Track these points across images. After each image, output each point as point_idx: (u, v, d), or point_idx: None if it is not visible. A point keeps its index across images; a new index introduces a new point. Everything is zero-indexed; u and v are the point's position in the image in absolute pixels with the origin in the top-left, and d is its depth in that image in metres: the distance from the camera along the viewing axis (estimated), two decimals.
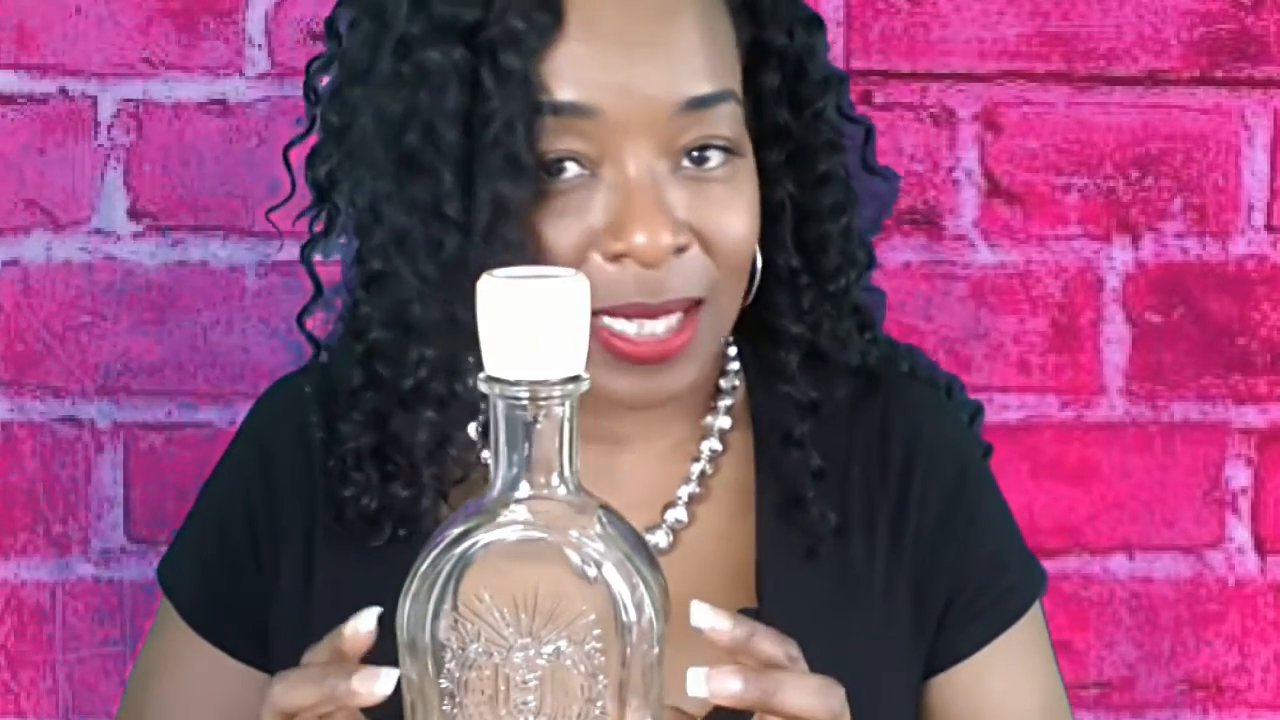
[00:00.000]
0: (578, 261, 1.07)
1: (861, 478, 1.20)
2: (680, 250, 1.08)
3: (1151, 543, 1.65)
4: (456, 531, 0.89)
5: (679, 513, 1.18)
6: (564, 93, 1.06)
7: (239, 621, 1.23)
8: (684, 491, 1.19)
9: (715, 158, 1.09)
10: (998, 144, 1.61)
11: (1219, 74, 1.60)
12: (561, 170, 1.08)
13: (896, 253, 1.60)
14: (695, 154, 1.09)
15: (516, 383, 0.88)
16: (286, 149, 1.21)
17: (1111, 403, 1.64)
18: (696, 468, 1.19)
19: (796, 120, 1.17)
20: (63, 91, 1.58)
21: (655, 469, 1.19)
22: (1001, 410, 1.62)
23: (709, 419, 1.20)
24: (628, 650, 0.89)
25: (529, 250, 1.07)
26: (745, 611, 1.14)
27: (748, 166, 1.12)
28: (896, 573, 1.18)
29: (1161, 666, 1.66)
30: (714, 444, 1.20)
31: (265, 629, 1.22)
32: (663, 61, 1.07)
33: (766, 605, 1.15)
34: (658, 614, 0.89)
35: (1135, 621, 1.65)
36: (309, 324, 1.23)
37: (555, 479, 0.90)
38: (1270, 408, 1.64)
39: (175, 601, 1.26)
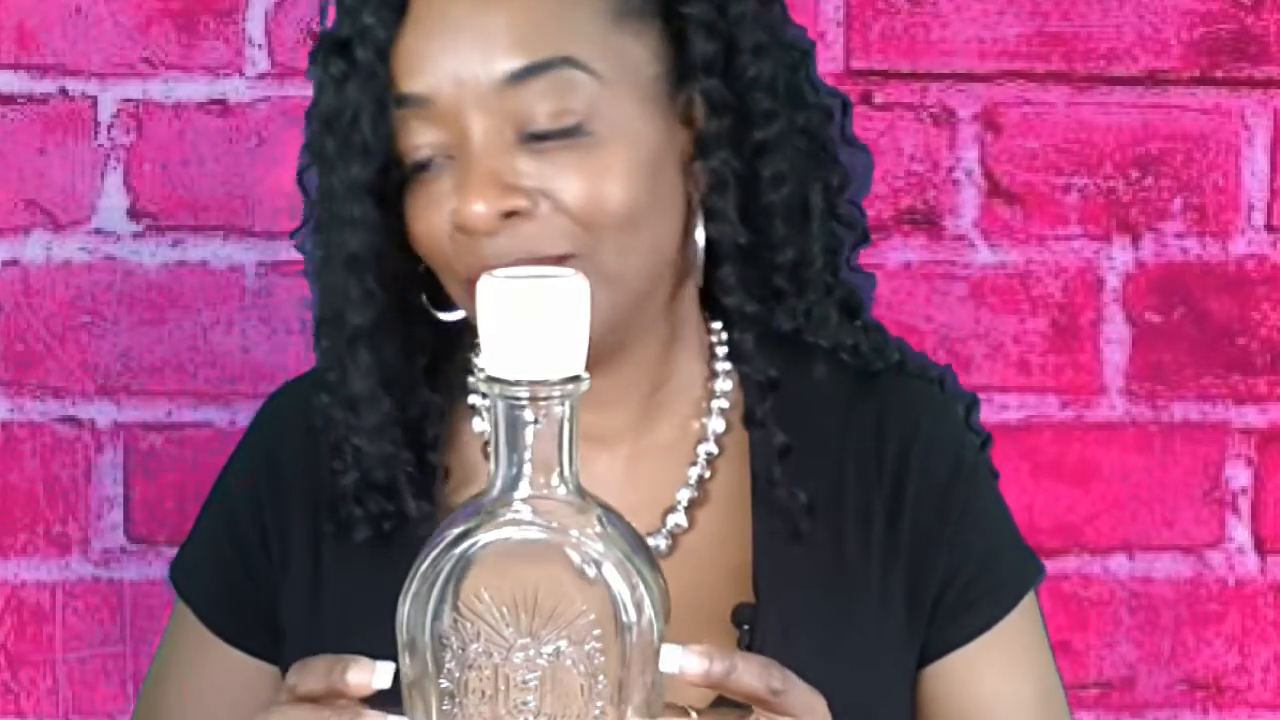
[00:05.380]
0: (439, 241, 1.11)
1: (856, 473, 1.20)
2: (512, 214, 1.09)
3: (1151, 543, 1.65)
4: (456, 531, 0.89)
5: (678, 517, 1.18)
6: (406, 85, 1.11)
7: (252, 618, 1.24)
8: (683, 496, 1.19)
9: (557, 140, 1.10)
10: (998, 144, 1.61)
11: (1219, 74, 1.60)
12: (430, 164, 1.12)
13: (896, 253, 1.60)
14: (537, 135, 1.10)
15: (516, 383, 0.88)
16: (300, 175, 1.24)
17: (1111, 403, 1.64)
18: (694, 472, 1.19)
19: (732, 90, 1.16)
20: (63, 91, 1.58)
21: (651, 473, 1.19)
22: (1001, 410, 1.62)
23: (703, 420, 1.20)
24: (628, 650, 0.89)
25: (401, 235, 1.13)
26: (743, 607, 1.15)
27: (613, 131, 1.10)
28: (892, 564, 1.18)
29: (1161, 666, 1.66)
30: (710, 448, 1.20)
31: (278, 625, 1.22)
32: (476, 43, 1.09)
33: (764, 601, 1.15)
34: (658, 614, 0.89)
35: (1135, 621, 1.65)
36: None
37: (555, 479, 0.90)
38: (1270, 408, 1.64)
39: (188, 601, 1.26)
